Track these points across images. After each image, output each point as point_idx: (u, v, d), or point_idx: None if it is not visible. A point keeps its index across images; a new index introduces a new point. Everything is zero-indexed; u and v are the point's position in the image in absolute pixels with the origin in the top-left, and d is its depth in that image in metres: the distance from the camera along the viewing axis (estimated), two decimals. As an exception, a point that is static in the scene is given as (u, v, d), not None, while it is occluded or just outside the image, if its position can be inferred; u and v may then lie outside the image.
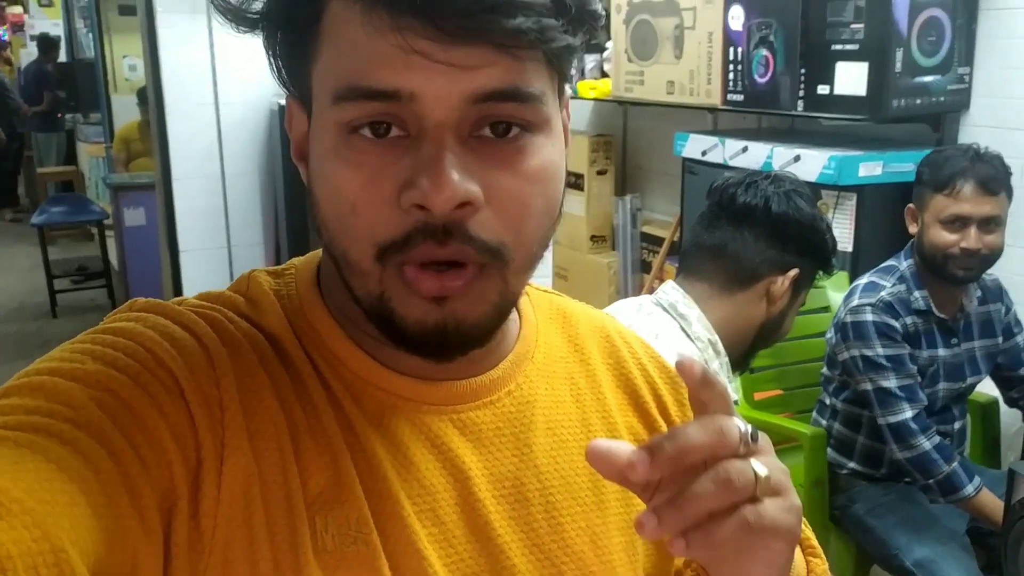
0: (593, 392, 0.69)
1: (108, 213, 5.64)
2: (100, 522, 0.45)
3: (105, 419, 0.49)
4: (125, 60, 6.13)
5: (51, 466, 0.45)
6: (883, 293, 1.98)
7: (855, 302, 2.00)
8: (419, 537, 0.58)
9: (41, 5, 9.35)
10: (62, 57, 8.34)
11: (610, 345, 0.73)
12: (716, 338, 1.34)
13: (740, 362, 1.43)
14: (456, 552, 0.59)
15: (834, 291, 2.40)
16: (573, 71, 0.57)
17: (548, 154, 0.55)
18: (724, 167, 2.82)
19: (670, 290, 1.39)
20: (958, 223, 1.91)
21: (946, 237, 1.92)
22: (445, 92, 0.51)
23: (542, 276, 2.87)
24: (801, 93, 2.63)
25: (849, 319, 1.98)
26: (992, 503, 1.90)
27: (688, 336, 1.32)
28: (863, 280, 2.07)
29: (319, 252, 0.65)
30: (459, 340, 0.56)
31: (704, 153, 2.96)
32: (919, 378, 1.96)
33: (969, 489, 1.90)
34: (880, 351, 1.94)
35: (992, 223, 1.92)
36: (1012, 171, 1.99)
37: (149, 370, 0.53)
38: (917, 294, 2.00)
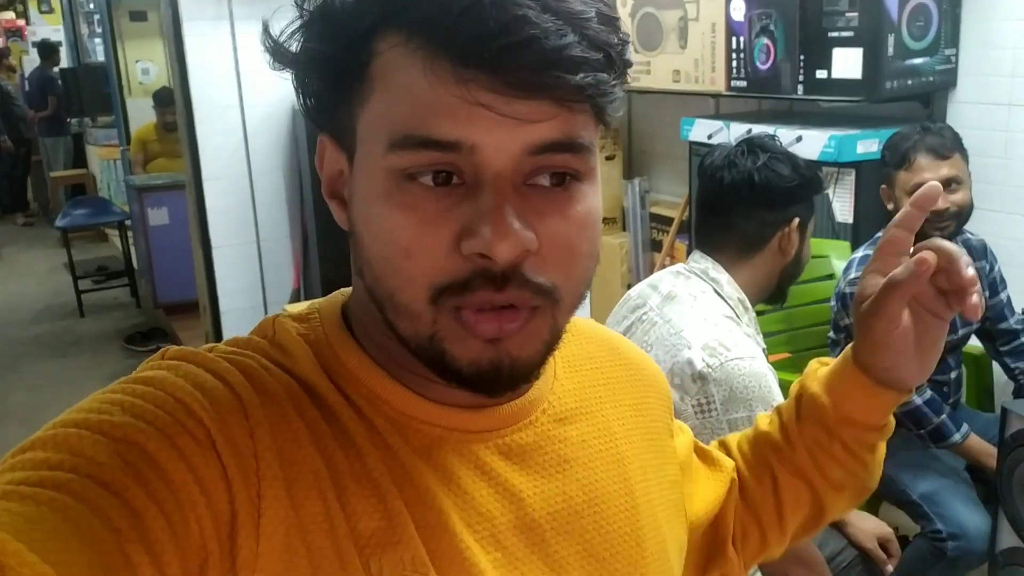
0: (610, 398, 0.72)
1: (128, 214, 5.82)
2: None
3: (129, 475, 0.49)
4: (138, 64, 6.29)
5: (69, 526, 0.45)
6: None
7: (852, 274, 2.22)
8: (482, 567, 0.58)
9: (41, 12, 9.49)
10: (66, 62, 8.50)
11: (612, 353, 0.76)
12: (743, 296, 1.56)
13: (776, 297, 1.64)
14: (521, 573, 0.61)
15: (837, 260, 2.62)
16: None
17: (593, 201, 0.57)
18: (730, 149, 3.02)
19: (700, 259, 1.60)
20: None
21: None
22: (506, 144, 0.52)
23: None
24: (801, 78, 2.84)
25: (847, 290, 2.20)
26: (980, 447, 2.14)
27: (721, 296, 1.53)
28: (859, 253, 2.29)
29: (342, 293, 0.66)
30: (512, 377, 0.56)
31: (710, 136, 3.17)
32: None
33: (956, 437, 2.13)
34: None
35: (953, 183, 2.12)
36: (961, 136, 2.22)
37: (179, 422, 0.52)
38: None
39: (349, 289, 0.66)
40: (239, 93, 3.97)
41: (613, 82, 0.54)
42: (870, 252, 2.24)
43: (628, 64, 0.56)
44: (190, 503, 0.50)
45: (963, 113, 2.80)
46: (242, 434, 0.54)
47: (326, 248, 3.92)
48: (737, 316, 1.52)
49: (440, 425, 0.61)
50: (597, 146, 0.57)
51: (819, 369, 0.82)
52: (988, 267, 2.36)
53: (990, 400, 2.59)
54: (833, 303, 2.30)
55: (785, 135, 2.86)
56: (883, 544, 1.81)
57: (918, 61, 2.71)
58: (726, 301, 1.53)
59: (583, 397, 0.70)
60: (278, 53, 0.58)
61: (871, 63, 2.65)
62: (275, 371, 0.58)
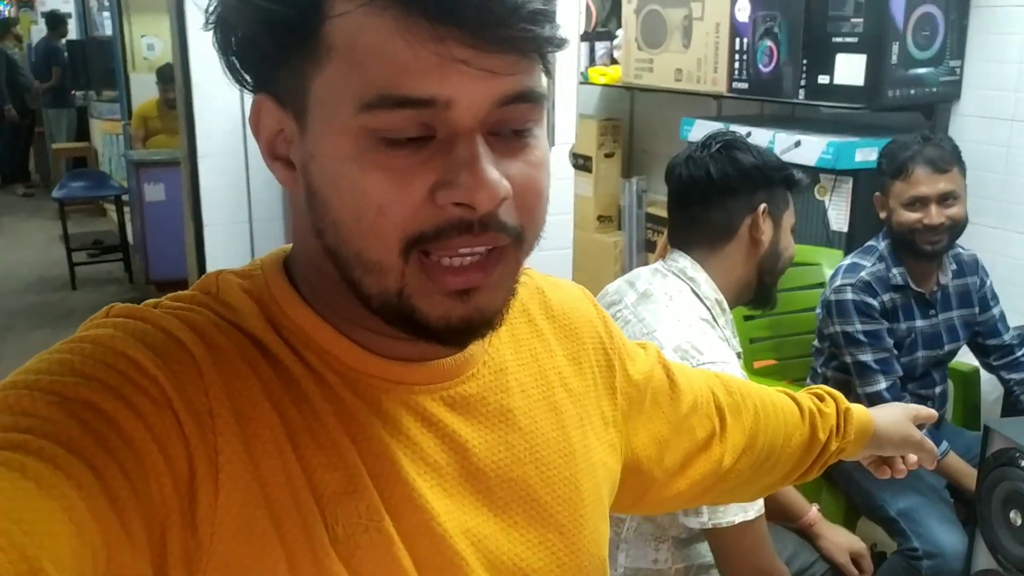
0: (544, 348, 0.75)
1: (126, 188, 5.79)
2: (83, 539, 0.45)
3: (86, 434, 0.48)
4: (144, 39, 6.25)
5: (29, 484, 0.44)
6: (863, 273, 2.16)
7: (838, 282, 2.18)
8: (434, 513, 0.61)
9: (52, -18, 9.45)
10: (74, 34, 8.46)
11: (543, 304, 0.78)
12: (721, 297, 1.52)
13: (762, 299, 1.60)
14: (470, 519, 0.63)
15: (829, 268, 2.58)
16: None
17: (545, 145, 0.60)
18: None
19: (678, 257, 1.57)
20: (918, 203, 2.09)
21: (910, 217, 2.10)
22: (479, 98, 0.54)
23: (561, 248, 3.05)
24: (803, 82, 2.80)
25: (833, 297, 2.17)
26: (958, 467, 2.11)
27: (698, 296, 1.50)
28: (846, 261, 2.25)
29: (281, 250, 0.66)
30: (481, 329, 0.59)
31: (709, 138, 3.13)
32: (895, 352, 2.15)
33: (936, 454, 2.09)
34: (859, 327, 2.12)
35: (950, 198, 2.09)
36: (960, 149, 2.17)
37: (133, 381, 0.52)
38: (895, 271, 2.17)
39: (289, 246, 0.65)
40: (238, 72, 3.93)
41: (560, 31, 0.56)
42: (858, 260, 2.23)
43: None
44: (149, 461, 0.50)
45: (965, 126, 2.76)
46: (197, 392, 0.54)
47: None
48: (713, 318, 1.48)
49: (387, 378, 0.62)
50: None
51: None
52: (979, 282, 2.32)
53: (976, 418, 2.55)
54: (819, 311, 2.26)
55: (784, 139, 2.82)
56: (855, 559, 1.78)
57: (922, 71, 2.67)
58: (703, 302, 1.49)
59: (518, 348, 0.73)
60: (218, 7, 0.57)
61: (874, 70, 2.61)
62: (224, 327, 0.59)
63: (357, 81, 0.53)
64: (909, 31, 2.61)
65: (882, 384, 2.11)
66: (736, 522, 1.30)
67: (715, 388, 0.94)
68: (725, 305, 1.52)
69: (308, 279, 0.62)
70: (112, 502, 0.47)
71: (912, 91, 2.67)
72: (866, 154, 2.68)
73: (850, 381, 2.23)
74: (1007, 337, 2.32)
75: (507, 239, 0.58)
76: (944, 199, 2.10)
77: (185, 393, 0.54)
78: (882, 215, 2.22)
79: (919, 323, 2.21)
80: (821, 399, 1.05)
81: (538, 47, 0.55)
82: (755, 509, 1.32)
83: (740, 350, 1.52)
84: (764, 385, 1.04)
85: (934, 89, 2.72)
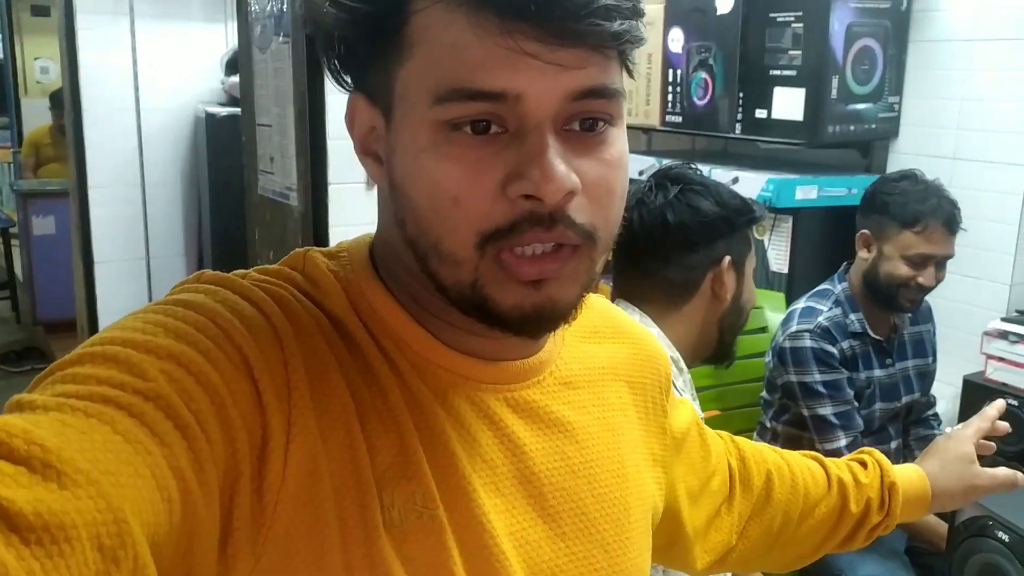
0: (610, 371, 0.76)
1: (15, 221, 5.38)
2: (162, 493, 0.47)
3: (173, 393, 0.50)
4: (37, 62, 5.87)
5: (118, 438, 0.46)
6: (820, 318, 2.01)
7: (793, 328, 2.02)
8: (484, 509, 0.62)
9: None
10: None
11: (616, 329, 0.80)
12: (677, 355, 1.32)
13: (721, 356, 1.41)
14: (517, 522, 0.64)
15: (771, 312, 2.43)
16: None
17: (623, 143, 0.60)
18: (661, 187, 2.83)
19: (625, 309, 1.37)
20: (921, 261, 1.97)
21: (906, 271, 1.97)
22: (549, 91, 0.54)
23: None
24: (739, 116, 2.67)
25: (788, 344, 2.00)
26: (923, 522, 1.94)
27: (654, 355, 1.30)
28: (800, 304, 2.09)
29: (367, 236, 0.68)
30: (554, 320, 0.60)
31: (641, 173, 2.96)
32: (855, 404, 2.00)
33: None
34: (818, 377, 1.97)
35: (947, 260, 2.01)
36: None
37: (219, 346, 0.54)
38: (853, 317, 2.04)
39: (373, 232, 0.67)
40: (136, 95, 3.65)
41: (640, 27, 0.57)
42: (813, 304, 2.06)
43: (643, 12, 0.59)
44: (228, 425, 0.52)
45: (904, 164, 2.65)
46: (277, 363, 0.56)
47: (223, 268, 3.58)
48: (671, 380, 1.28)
49: (456, 372, 0.63)
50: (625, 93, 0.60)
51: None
52: (932, 330, 2.21)
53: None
54: (769, 359, 2.10)
55: (721, 175, 2.68)
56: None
57: (861, 106, 2.56)
58: (658, 361, 1.29)
59: (586, 366, 0.73)
60: (312, 9, 0.58)
61: (813, 105, 2.49)
62: (306, 303, 0.60)
63: (433, 75, 0.55)
64: (849, 65, 2.50)
65: (842, 441, 1.95)
66: None
67: (730, 454, 0.94)
68: (683, 364, 1.33)
69: (390, 267, 0.64)
70: (191, 460, 0.49)
71: (852, 127, 2.56)
72: (806, 192, 2.56)
73: (802, 437, 2.07)
74: (926, 396, 2.23)
75: (576, 238, 0.58)
76: (943, 261, 2.00)
77: (266, 363, 0.55)
78: (863, 255, 2.06)
79: (877, 373, 2.08)
80: (864, 465, 0.99)
81: (609, 42, 0.55)
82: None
83: (703, 413, 1.32)
84: (782, 451, 0.98)
85: (873, 125, 2.62)
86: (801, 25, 2.50)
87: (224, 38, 3.75)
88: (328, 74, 0.62)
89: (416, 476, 0.59)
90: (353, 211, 1.82)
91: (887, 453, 2.07)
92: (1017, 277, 2.44)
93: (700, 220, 1.31)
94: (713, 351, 1.38)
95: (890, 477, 0.97)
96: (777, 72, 2.56)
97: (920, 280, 1.97)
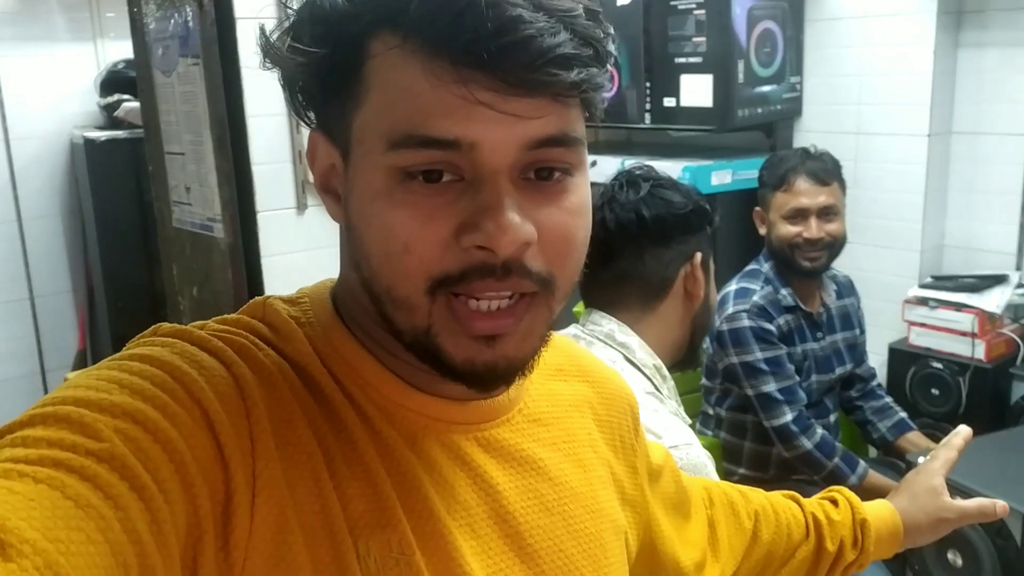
0: (576, 409, 0.75)
1: None
2: (117, 558, 0.45)
3: (129, 453, 0.48)
4: None
5: (68, 503, 0.44)
6: (755, 297, 2.04)
7: (730, 310, 2.03)
8: (462, 552, 0.60)
9: None
10: None
11: (580, 368, 0.79)
12: (659, 362, 1.29)
13: (690, 360, 1.39)
14: (495, 563, 0.63)
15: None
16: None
17: (585, 191, 0.59)
18: (575, 182, 2.81)
19: (600, 320, 1.32)
20: (798, 216, 2.05)
21: (789, 229, 2.06)
22: (504, 140, 0.54)
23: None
24: (648, 106, 2.67)
25: (726, 327, 2.02)
26: (879, 483, 1.98)
27: (635, 365, 1.26)
28: (732, 287, 2.11)
29: (328, 281, 0.67)
30: (507, 375, 0.59)
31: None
32: (797, 378, 2.03)
33: (853, 479, 1.98)
34: (759, 355, 1.99)
35: (830, 212, 2.05)
36: (842, 164, 2.16)
37: (177, 401, 0.52)
38: (784, 292, 2.09)
39: (335, 277, 0.66)
40: (3, 124, 3.38)
41: (601, 75, 0.56)
42: (745, 285, 2.05)
43: (612, 56, 0.58)
44: (187, 482, 0.50)
45: (808, 141, 2.70)
46: (238, 415, 0.55)
47: (117, 301, 3.38)
48: (656, 388, 1.25)
49: (426, 414, 0.63)
50: (586, 137, 0.59)
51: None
52: (856, 303, 2.27)
53: (860, 443, 2.49)
54: (707, 344, 2.11)
55: (632, 164, 2.68)
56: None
57: (766, 89, 2.60)
58: (642, 371, 1.26)
59: (553, 403, 0.73)
60: (270, 51, 0.58)
61: (722, 90, 2.51)
62: (268, 351, 0.59)
63: (387, 120, 0.54)
64: (752, 48, 2.54)
65: (788, 416, 1.97)
66: None
67: (714, 511, 0.92)
68: (665, 371, 1.30)
69: (352, 311, 0.63)
70: (149, 523, 0.47)
71: (759, 110, 2.60)
72: (721, 177, 2.58)
73: (746, 420, 2.09)
74: (863, 370, 2.28)
75: (533, 285, 0.57)
76: (824, 213, 2.05)
77: (227, 415, 0.54)
78: (762, 230, 2.14)
79: (811, 346, 2.13)
80: (835, 503, 0.99)
81: (568, 91, 0.54)
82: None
83: (689, 421, 1.30)
84: (764, 492, 0.98)
85: (778, 107, 2.66)
86: (703, 12, 2.51)
87: (95, 57, 3.51)
88: (290, 109, 0.62)
89: (391, 523, 0.58)
90: (285, 238, 1.72)
91: (827, 427, 2.12)
92: (926, 243, 2.53)
93: (674, 213, 1.30)
94: (684, 354, 1.36)
95: (861, 514, 0.97)
96: (683, 60, 2.57)
97: (806, 235, 2.04)
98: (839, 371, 2.19)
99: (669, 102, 2.64)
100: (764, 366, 1.98)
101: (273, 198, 1.67)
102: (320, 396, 0.59)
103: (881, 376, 2.38)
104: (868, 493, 1.94)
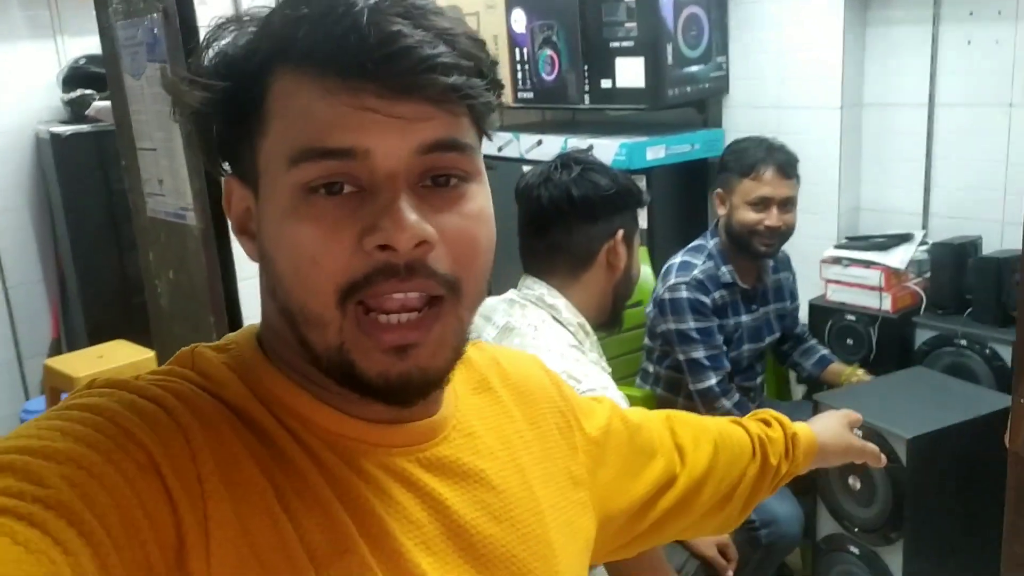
0: (505, 415, 0.77)
1: None
2: None
3: (75, 499, 0.49)
4: None
5: (18, 549, 0.45)
6: (695, 272, 2.23)
7: (672, 280, 2.23)
8: (423, 569, 0.62)
9: None
10: None
11: (501, 374, 0.81)
12: (583, 320, 1.50)
13: (613, 322, 1.59)
14: (458, 574, 0.65)
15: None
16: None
17: (483, 199, 0.62)
18: (521, 160, 3.00)
19: (533, 284, 1.52)
20: (761, 204, 2.20)
21: (752, 216, 2.20)
22: (395, 145, 0.57)
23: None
24: (587, 88, 2.87)
25: (667, 296, 2.22)
26: None
27: (561, 323, 1.46)
28: (677, 259, 2.30)
29: (252, 326, 0.68)
30: (423, 387, 0.60)
31: (500, 149, 3.13)
32: (724, 348, 2.25)
33: None
34: (692, 325, 2.20)
35: (789, 203, 2.22)
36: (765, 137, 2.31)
37: (121, 447, 0.53)
38: (724, 269, 2.27)
39: (258, 323, 0.68)
40: (-33, 120, 3.48)
41: (485, 87, 0.60)
42: (688, 259, 2.25)
43: (499, 83, 0.63)
44: (135, 527, 0.50)
45: (736, 117, 2.94)
46: (184, 458, 0.55)
47: (89, 289, 3.52)
48: (579, 343, 1.45)
49: (366, 441, 0.64)
50: (480, 151, 0.63)
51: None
52: (791, 277, 2.48)
53: (787, 388, 2.73)
54: (650, 308, 2.31)
55: (576, 144, 2.87)
56: (722, 550, 1.83)
57: (695, 69, 2.80)
58: (566, 328, 1.46)
59: (482, 415, 0.75)
60: (181, 102, 0.61)
61: (653, 72, 2.71)
62: (205, 396, 0.60)
63: (288, 140, 0.57)
64: (679, 32, 2.73)
65: (712, 380, 2.19)
66: None
67: (674, 426, 0.98)
68: (588, 327, 1.50)
69: (276, 349, 0.64)
70: (98, 567, 0.48)
71: (688, 88, 2.80)
72: (656, 152, 2.78)
73: (681, 379, 2.30)
74: (798, 329, 2.50)
75: (439, 287, 0.59)
76: (784, 204, 2.21)
77: (173, 459, 0.54)
78: (721, 211, 2.29)
79: (744, 318, 2.32)
80: (768, 424, 1.08)
81: (449, 95, 0.57)
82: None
83: (609, 369, 1.50)
84: (718, 419, 1.07)
85: (706, 85, 2.87)
86: (633, -1, 2.70)
87: (55, 54, 3.62)
88: (204, 161, 0.64)
89: (349, 549, 0.59)
90: (253, 224, 1.89)
91: (753, 388, 2.35)
92: (843, 208, 2.76)
93: (600, 195, 1.49)
94: (608, 317, 1.56)
95: (791, 430, 1.08)
96: (617, 44, 2.76)
97: (767, 223, 2.19)
98: (768, 339, 2.40)
99: (606, 84, 2.83)
100: (695, 335, 2.19)
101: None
102: (262, 434, 0.60)
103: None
104: None
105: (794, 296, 2.48)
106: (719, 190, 2.31)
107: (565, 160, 1.55)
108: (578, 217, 1.50)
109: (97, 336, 3.40)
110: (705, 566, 1.82)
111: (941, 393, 2.00)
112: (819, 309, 2.58)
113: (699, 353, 2.19)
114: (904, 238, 2.55)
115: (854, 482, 1.92)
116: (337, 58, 0.56)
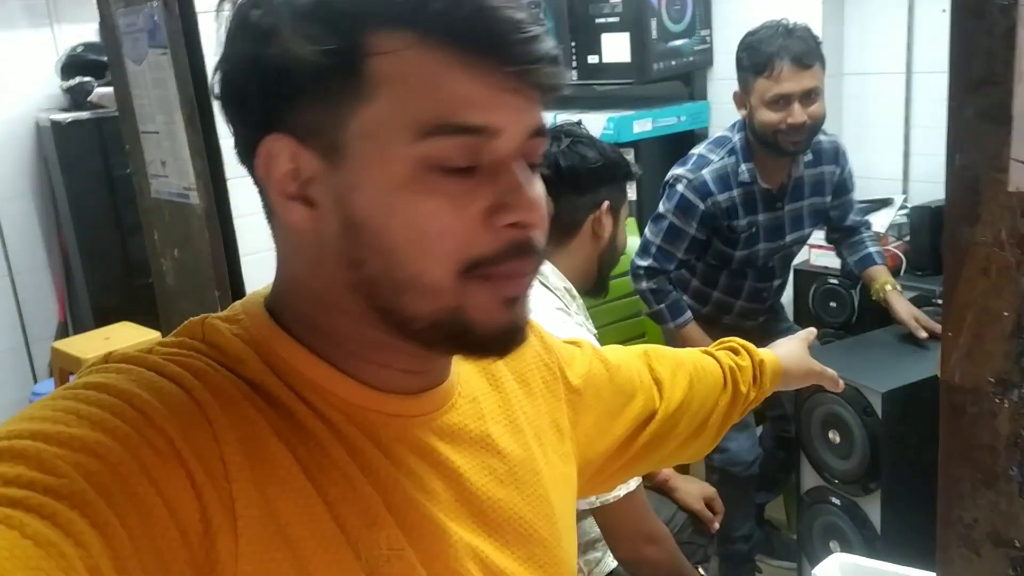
0: (498, 373, 0.78)
1: None
2: None
3: (88, 489, 0.47)
4: None
5: (27, 542, 0.44)
6: (706, 170, 2.18)
7: (679, 171, 2.23)
8: (445, 538, 0.63)
9: None
10: None
11: None
12: (569, 284, 1.58)
13: (599, 288, 1.68)
14: (470, 543, 0.66)
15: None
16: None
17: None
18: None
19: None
20: (781, 102, 2.05)
21: (772, 116, 2.06)
22: (521, 127, 0.58)
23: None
24: (574, 64, 2.93)
25: (670, 179, 2.24)
26: (695, 336, 2.26)
27: (548, 287, 1.55)
28: (698, 150, 2.26)
29: (257, 295, 0.66)
30: (520, 336, 0.63)
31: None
32: (680, 254, 2.25)
33: (671, 324, 2.28)
34: (670, 218, 2.21)
35: (812, 94, 2.05)
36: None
37: (139, 432, 0.51)
38: (744, 167, 2.17)
39: (264, 289, 0.66)
40: (-31, 109, 3.55)
41: None
42: (706, 153, 2.21)
43: None
44: (153, 517, 0.49)
45: (721, 89, 3.00)
46: (206, 439, 0.54)
47: (94, 273, 3.59)
48: (566, 306, 1.54)
49: (384, 411, 0.64)
50: None
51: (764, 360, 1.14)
52: (838, 170, 2.31)
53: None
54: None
55: (565, 119, 2.94)
56: (708, 503, 1.92)
57: (679, 43, 2.87)
58: (553, 292, 1.54)
59: (480, 379, 0.75)
60: (235, 58, 0.59)
61: (638, 47, 2.78)
62: (224, 372, 0.59)
63: (411, 112, 0.56)
64: (663, 7, 2.80)
65: (647, 261, 2.24)
66: (621, 495, 1.37)
67: (652, 362, 1.01)
68: (574, 291, 1.58)
69: (304, 317, 0.63)
70: (111, 558, 0.47)
71: (673, 62, 2.87)
72: (642, 125, 2.86)
73: (695, 265, 2.36)
74: (848, 222, 2.37)
75: (539, 266, 0.63)
76: (807, 96, 2.04)
77: (194, 443, 0.53)
78: (741, 112, 2.19)
79: (761, 217, 2.24)
80: (736, 352, 1.12)
81: (560, 87, 0.60)
82: (635, 480, 1.39)
83: (595, 332, 1.59)
84: (692, 351, 1.11)
85: (691, 58, 2.93)
86: (617, -25, 2.77)
87: (53, 43, 3.68)
88: (234, 116, 0.61)
89: (377, 521, 0.59)
90: (255, 202, 1.97)
91: (767, 289, 2.41)
92: (826, 175, 2.83)
93: (587, 167, 1.56)
94: (593, 284, 1.65)
95: (759, 356, 1.12)
96: (603, 20, 2.83)
97: (790, 121, 2.04)
98: (792, 236, 2.30)
99: (592, 59, 2.90)
100: (665, 223, 2.21)
101: (240, 168, 1.92)
102: (282, 410, 0.59)
103: (787, 295, 2.67)
104: (685, 341, 2.25)
105: (842, 190, 2.32)
106: (736, 91, 2.19)
107: (555, 133, 1.62)
108: (565, 187, 1.58)
109: (103, 318, 3.48)
110: (693, 518, 1.91)
111: (917, 349, 2.09)
112: (804, 274, 2.66)
113: (657, 238, 2.23)
114: (885, 202, 2.63)
115: (834, 436, 2.01)
116: (478, 34, 0.55)
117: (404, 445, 0.64)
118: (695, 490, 1.92)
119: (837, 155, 2.29)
